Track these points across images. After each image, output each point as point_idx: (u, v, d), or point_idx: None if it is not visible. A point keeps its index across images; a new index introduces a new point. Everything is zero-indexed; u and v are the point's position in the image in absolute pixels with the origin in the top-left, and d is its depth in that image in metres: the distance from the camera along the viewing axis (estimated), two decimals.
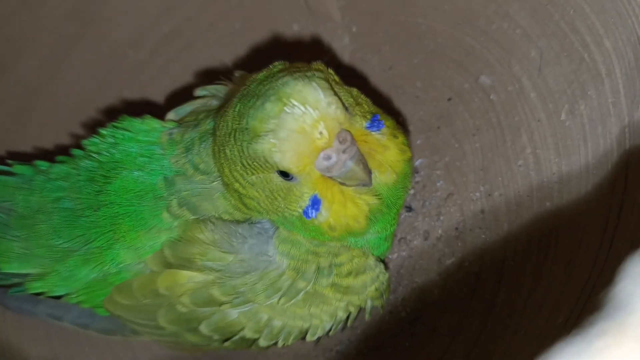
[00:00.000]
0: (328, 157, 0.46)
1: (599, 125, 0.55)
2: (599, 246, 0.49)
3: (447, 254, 0.68)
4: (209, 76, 0.75)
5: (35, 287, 0.59)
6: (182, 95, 0.63)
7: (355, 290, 0.56)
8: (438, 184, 0.71)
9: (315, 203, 0.50)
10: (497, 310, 0.60)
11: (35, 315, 0.63)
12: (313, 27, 0.78)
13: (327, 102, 0.45)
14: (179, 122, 0.59)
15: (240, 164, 0.48)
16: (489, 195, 0.67)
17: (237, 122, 0.48)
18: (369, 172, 0.49)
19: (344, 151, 0.46)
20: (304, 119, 0.45)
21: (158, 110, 0.62)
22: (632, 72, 0.52)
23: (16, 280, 0.59)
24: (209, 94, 0.61)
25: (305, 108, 0.45)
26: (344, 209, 0.51)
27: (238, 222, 0.53)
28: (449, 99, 0.72)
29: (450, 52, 0.72)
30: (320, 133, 0.45)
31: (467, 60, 0.71)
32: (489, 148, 0.68)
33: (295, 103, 0.45)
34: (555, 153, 0.60)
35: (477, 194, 0.68)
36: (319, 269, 0.54)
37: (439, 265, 0.68)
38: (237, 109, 0.48)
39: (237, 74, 0.63)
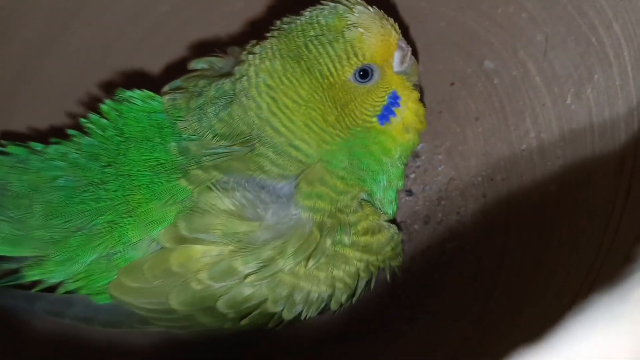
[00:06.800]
0: (403, 48, 0.54)
1: (606, 108, 0.54)
2: (605, 229, 0.48)
3: (448, 238, 0.67)
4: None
5: (34, 274, 0.55)
6: (179, 73, 0.62)
7: (373, 249, 0.56)
8: (439, 169, 0.71)
9: (395, 98, 0.54)
10: (498, 295, 0.60)
11: (34, 313, 0.58)
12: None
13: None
14: (177, 89, 0.58)
15: (316, 75, 0.51)
16: (491, 179, 0.66)
17: (304, 35, 0.51)
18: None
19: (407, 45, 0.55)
20: (375, 13, 0.53)
21: (155, 88, 0.60)
22: None
23: (13, 265, 0.56)
24: (205, 67, 0.60)
25: (370, 9, 0.53)
26: (417, 106, 0.57)
27: (262, 187, 0.52)
28: (452, 84, 0.71)
29: (453, 37, 0.71)
30: (392, 26, 0.54)
31: (470, 45, 0.70)
32: (491, 132, 0.67)
33: (360, 6, 0.52)
34: (560, 137, 0.59)
35: (479, 179, 0.67)
36: (340, 226, 0.53)
37: (440, 249, 0.67)
38: (298, 31, 0.52)
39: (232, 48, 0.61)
